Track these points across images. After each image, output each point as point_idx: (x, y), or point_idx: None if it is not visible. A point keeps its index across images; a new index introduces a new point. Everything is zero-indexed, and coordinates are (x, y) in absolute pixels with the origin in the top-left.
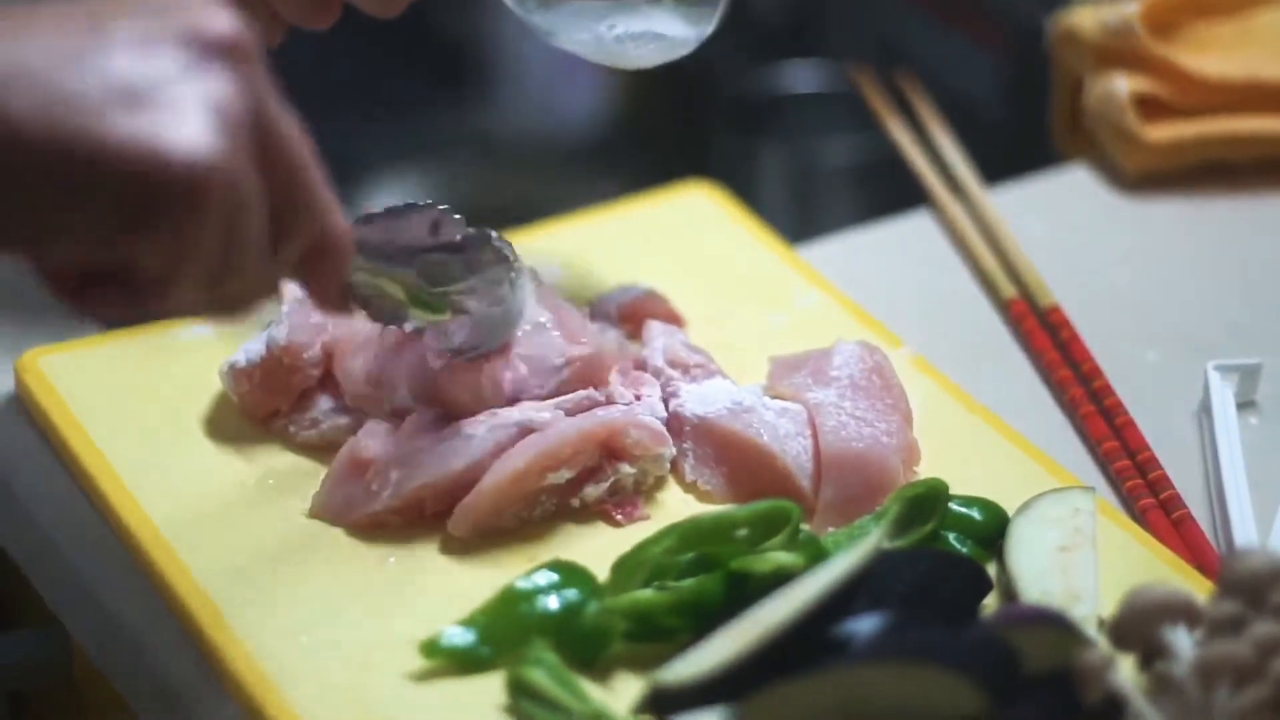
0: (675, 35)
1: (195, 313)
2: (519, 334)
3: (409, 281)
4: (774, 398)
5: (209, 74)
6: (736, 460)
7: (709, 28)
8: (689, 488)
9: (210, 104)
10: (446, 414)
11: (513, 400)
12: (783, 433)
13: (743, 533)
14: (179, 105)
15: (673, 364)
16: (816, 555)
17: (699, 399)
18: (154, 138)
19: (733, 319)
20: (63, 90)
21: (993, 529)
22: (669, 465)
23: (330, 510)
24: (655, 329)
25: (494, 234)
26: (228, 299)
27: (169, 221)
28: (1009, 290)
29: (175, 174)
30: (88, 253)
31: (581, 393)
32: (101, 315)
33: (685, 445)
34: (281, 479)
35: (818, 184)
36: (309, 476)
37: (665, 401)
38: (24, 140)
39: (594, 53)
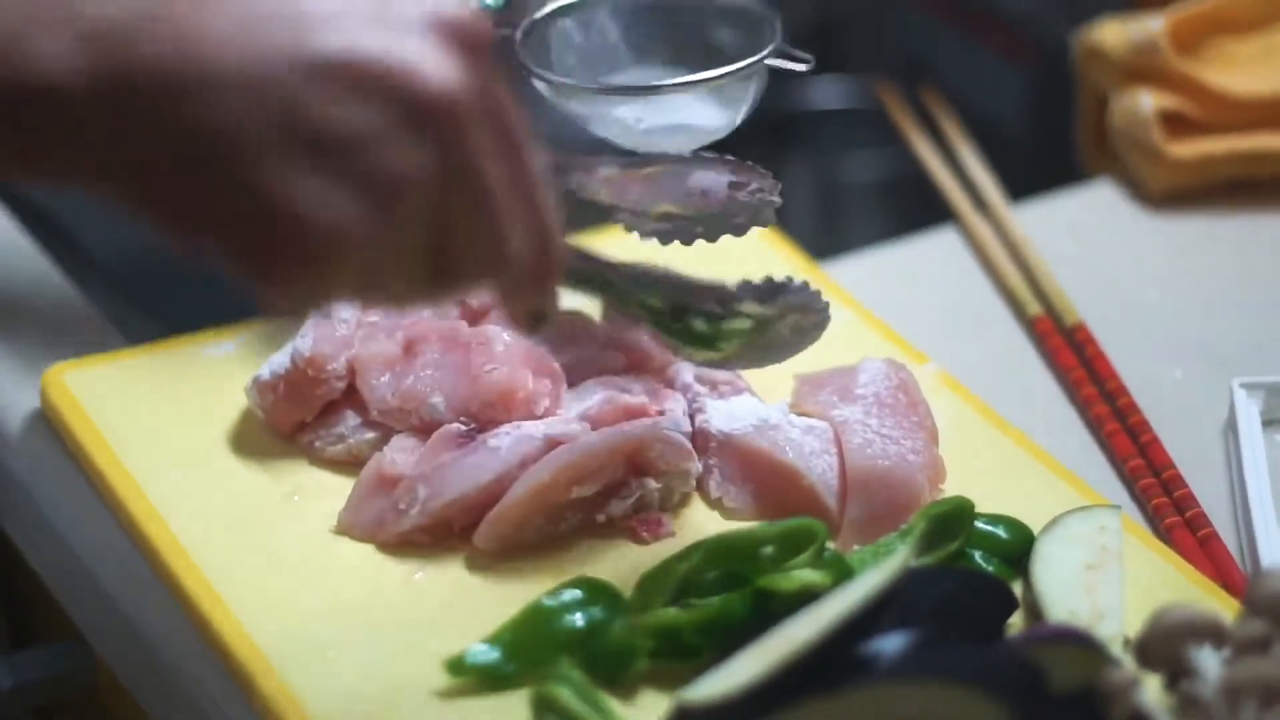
0: (704, 125)
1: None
2: None
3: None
4: (800, 415)
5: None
6: (762, 477)
7: (739, 116)
8: (714, 504)
9: (448, 61)
10: (479, 426)
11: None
12: (808, 450)
13: (768, 550)
14: (427, 43)
15: (700, 380)
16: (842, 573)
17: (725, 415)
18: (415, 60)
19: None
20: (252, 120)
21: (1018, 547)
22: (694, 481)
23: (357, 527)
24: None
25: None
26: (439, 280)
27: (435, 132)
28: (1034, 307)
29: (436, 90)
30: (358, 156)
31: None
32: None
33: (711, 462)
34: (307, 494)
35: (843, 200)
36: (335, 492)
37: (691, 417)
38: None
39: (626, 141)
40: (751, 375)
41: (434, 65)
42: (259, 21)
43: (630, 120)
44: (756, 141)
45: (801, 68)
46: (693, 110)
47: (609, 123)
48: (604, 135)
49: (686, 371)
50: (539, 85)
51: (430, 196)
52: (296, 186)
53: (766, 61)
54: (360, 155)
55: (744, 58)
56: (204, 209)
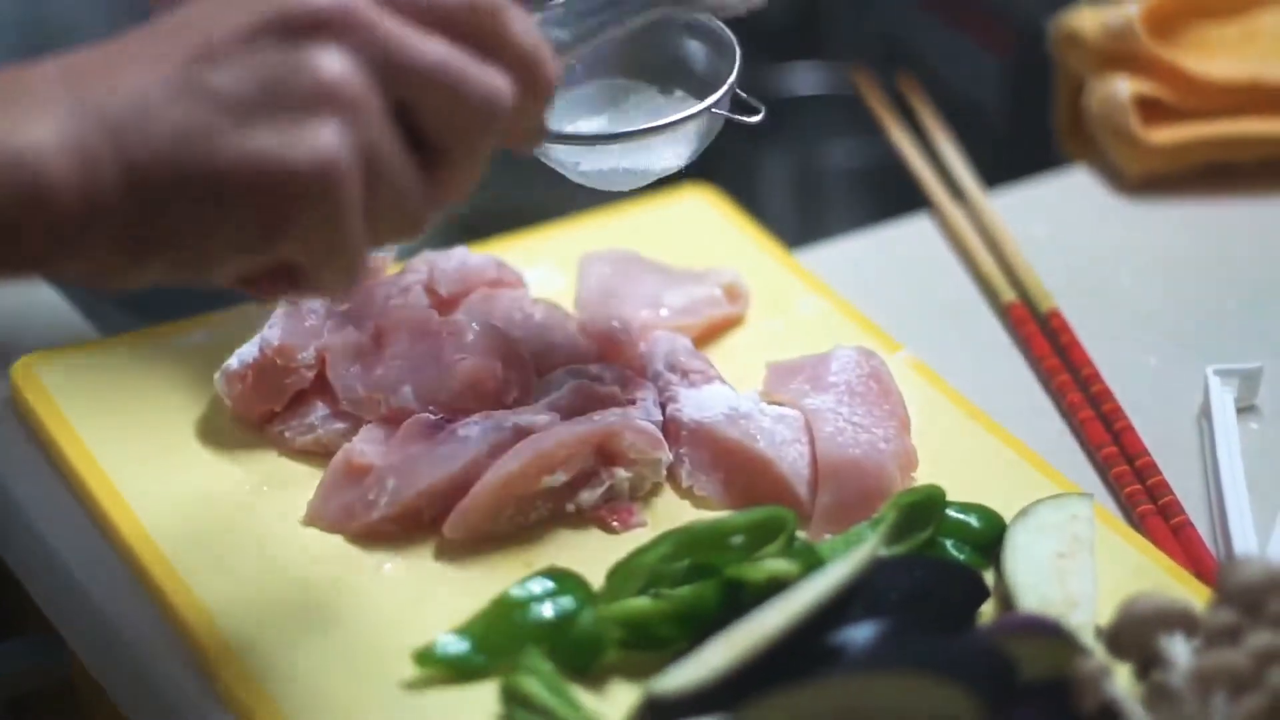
0: (651, 168)
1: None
2: None
3: None
4: (771, 403)
5: (315, 55)
6: (733, 466)
7: (688, 151)
8: (685, 494)
9: (325, 88)
10: (449, 415)
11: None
12: (779, 439)
13: (738, 540)
14: (293, 105)
15: (672, 369)
16: (812, 563)
17: (696, 404)
18: (276, 151)
19: (735, 324)
20: (175, 125)
21: (990, 536)
22: (665, 471)
23: (326, 518)
24: (659, 334)
25: None
26: (392, 231)
27: (309, 220)
28: (1009, 294)
29: (304, 179)
30: (245, 266)
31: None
32: (287, 298)
33: (682, 451)
34: (277, 485)
35: (818, 187)
36: (304, 482)
37: (662, 406)
38: (153, 180)
39: (578, 178)
40: (723, 364)
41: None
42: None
43: (569, 163)
44: (732, 126)
45: (754, 119)
46: (635, 156)
47: (550, 159)
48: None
49: (658, 360)
50: None
51: (373, 93)
52: (258, 146)
53: (713, 111)
54: (286, 89)
55: (706, 77)
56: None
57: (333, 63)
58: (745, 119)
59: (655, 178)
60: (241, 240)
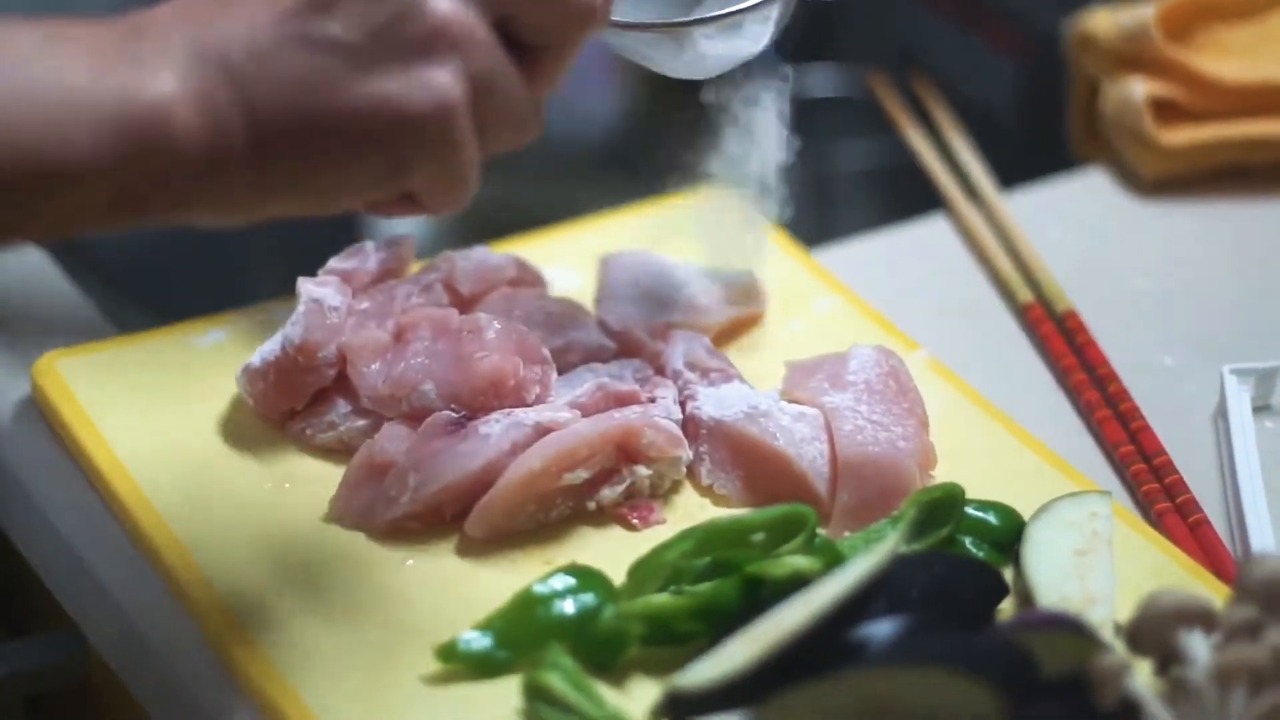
0: (734, 53)
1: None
2: None
3: None
4: (790, 402)
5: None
6: (753, 464)
7: (767, 34)
8: (705, 491)
9: (436, 29)
10: (470, 413)
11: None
12: (799, 437)
13: (759, 537)
14: (408, 49)
15: (692, 367)
16: (833, 560)
17: (716, 402)
18: (396, 96)
19: (753, 323)
20: (295, 73)
21: (1009, 533)
22: (685, 468)
23: (348, 515)
24: (678, 333)
25: None
26: (508, 138)
27: (430, 157)
28: (1025, 295)
29: (425, 121)
30: (369, 199)
31: (593, 380)
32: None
33: (702, 449)
34: (298, 482)
35: (834, 189)
36: (326, 480)
37: (682, 405)
38: (277, 127)
39: (664, 68)
40: (741, 363)
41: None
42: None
43: (651, 54)
44: None
45: None
46: (722, 40)
47: (632, 51)
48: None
49: (677, 358)
50: None
51: (480, 20)
52: (378, 91)
53: None
54: (400, 34)
55: None
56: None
57: (442, 5)
58: None
59: (738, 62)
60: (366, 178)
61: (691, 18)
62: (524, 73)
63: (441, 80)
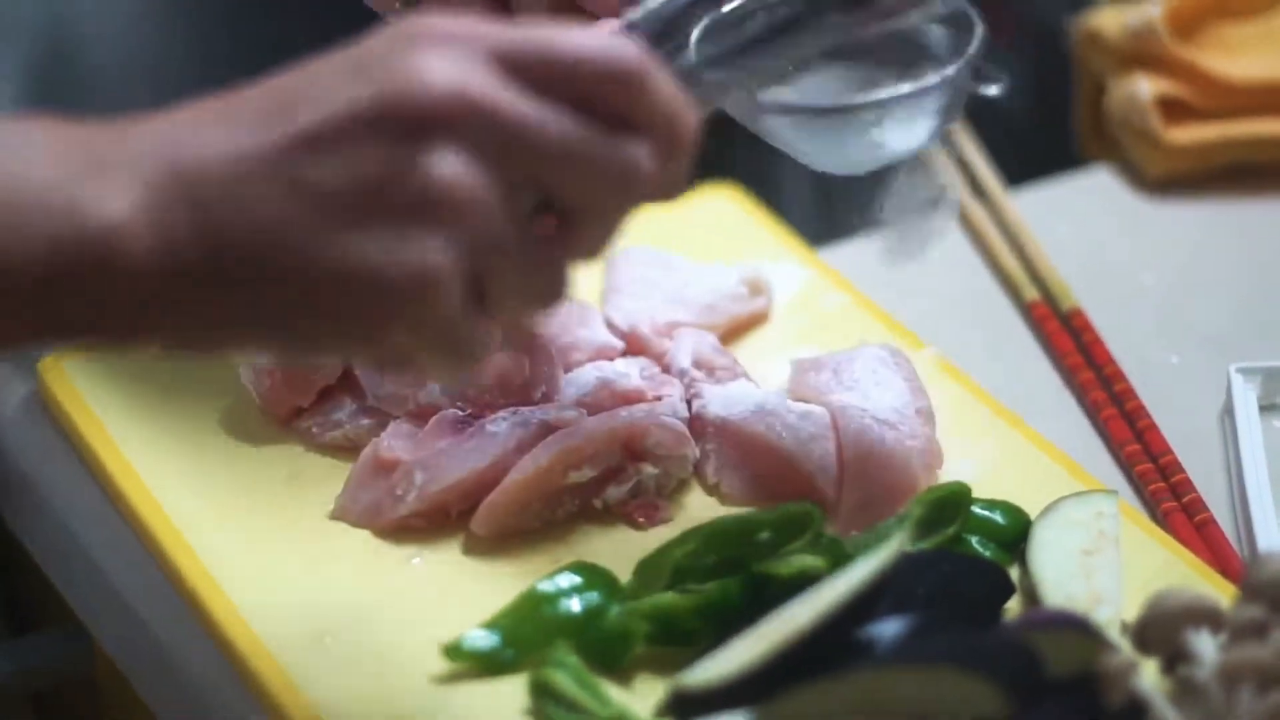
0: (889, 146)
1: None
2: None
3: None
4: (797, 400)
5: (425, 157)
6: (759, 463)
7: (929, 128)
8: (712, 490)
9: (434, 195)
10: (476, 411)
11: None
12: (805, 435)
13: (765, 536)
14: (397, 213)
15: (698, 365)
16: (839, 558)
17: (722, 401)
18: (374, 262)
19: (759, 322)
20: (268, 217)
21: (1015, 532)
22: (691, 467)
23: (353, 512)
24: (685, 331)
25: None
26: (525, 304)
27: (407, 324)
28: (1031, 293)
29: (401, 292)
30: (347, 357)
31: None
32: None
33: (708, 447)
34: (304, 480)
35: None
36: (332, 477)
37: (688, 403)
38: (240, 270)
39: (807, 159)
40: (748, 361)
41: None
42: (246, 126)
43: (797, 144)
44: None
45: (994, 91)
46: (876, 131)
47: (778, 139)
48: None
49: (684, 357)
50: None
51: (492, 184)
52: (355, 254)
53: (953, 82)
54: (391, 195)
55: (946, 58)
56: (290, 328)
57: (445, 167)
58: (986, 90)
59: (894, 159)
60: (336, 339)
61: (869, 99)
62: (560, 237)
63: (428, 252)
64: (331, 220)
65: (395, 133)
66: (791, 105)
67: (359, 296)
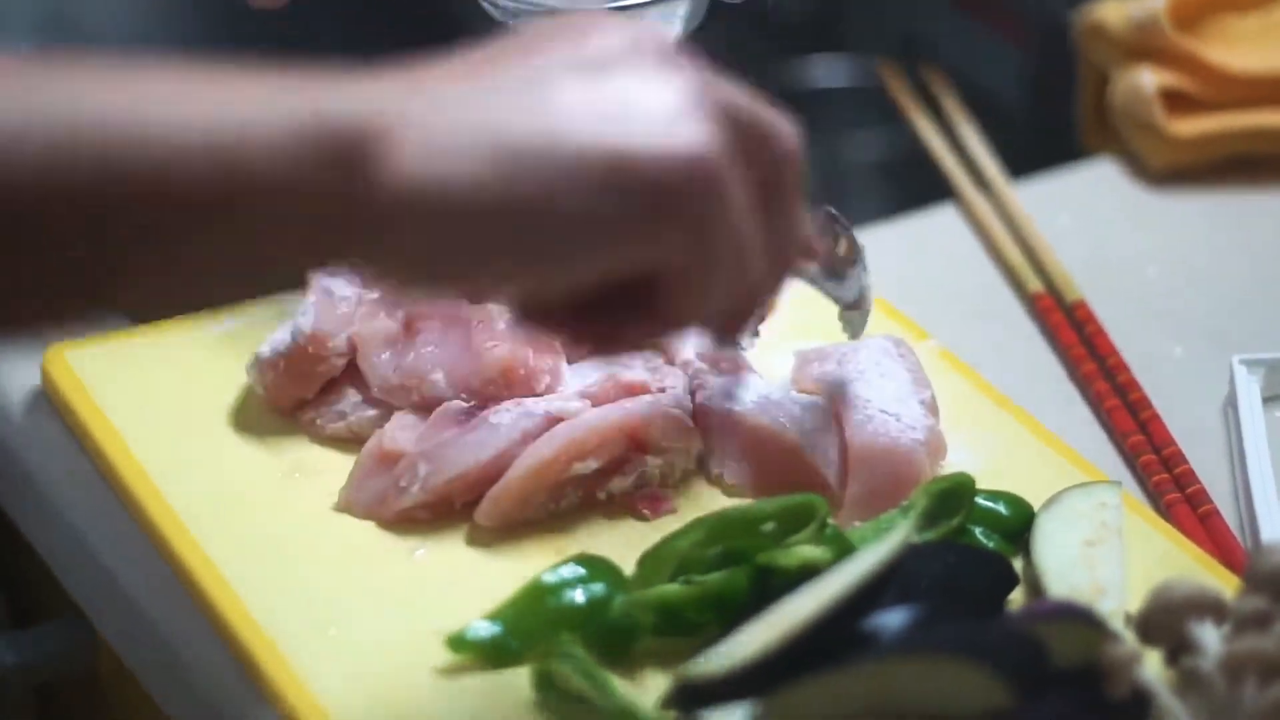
0: None
1: (705, 322)
2: None
3: None
4: (800, 392)
5: (667, 76)
6: (763, 454)
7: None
8: (716, 481)
9: (687, 104)
10: (480, 403)
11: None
12: (809, 427)
13: (770, 527)
14: (664, 110)
15: (702, 357)
16: (843, 549)
17: (726, 392)
18: (660, 138)
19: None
20: (558, 113)
21: (1019, 523)
22: (696, 458)
23: (358, 504)
24: None
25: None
26: (736, 308)
27: (691, 212)
28: (1035, 284)
29: (691, 166)
30: (622, 261)
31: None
32: (617, 343)
33: (713, 438)
34: (308, 472)
35: (843, 179)
36: (336, 469)
37: (693, 394)
38: (537, 162)
39: None
40: (752, 353)
41: (669, 139)
42: (496, 134)
43: None
44: None
45: None
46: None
47: None
48: None
49: (689, 348)
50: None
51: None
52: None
53: None
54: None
55: None
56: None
57: (683, 78)
58: None
59: None
60: (599, 233)
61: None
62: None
63: (704, 131)
64: (605, 114)
65: (640, 57)
66: (540, 4)
67: (652, 174)
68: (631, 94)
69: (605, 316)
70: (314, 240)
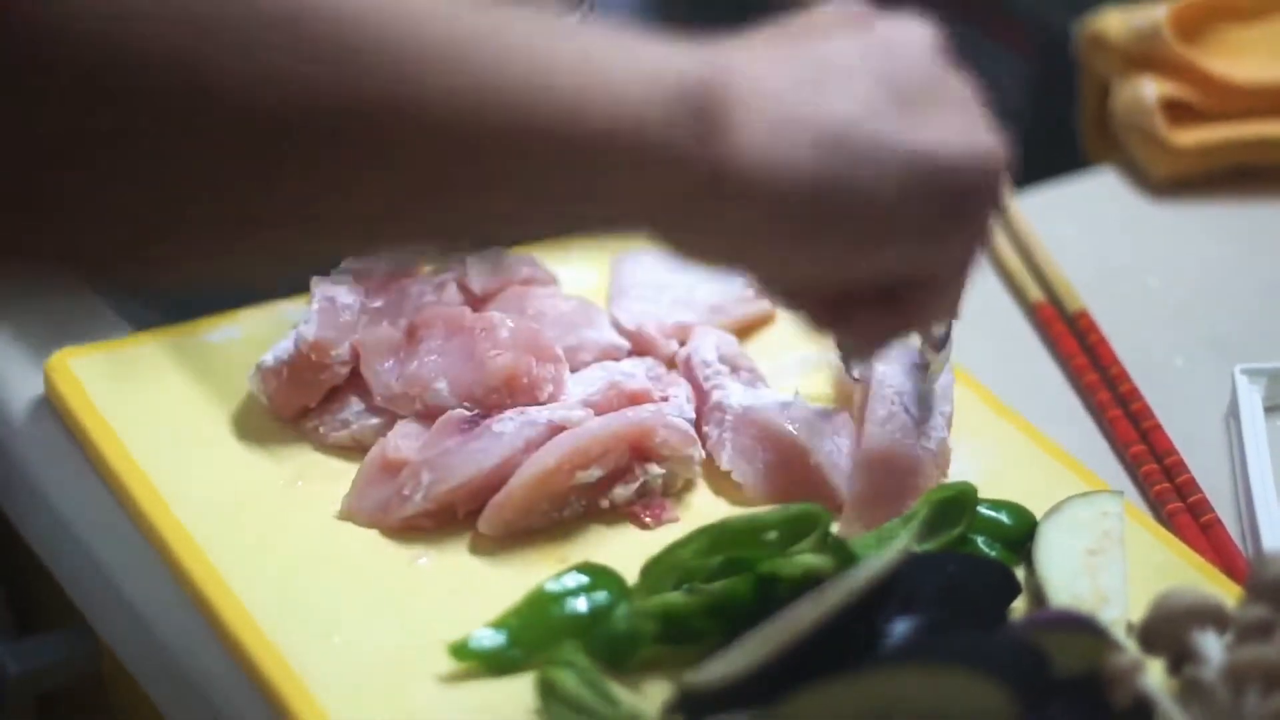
0: None
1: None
2: None
3: None
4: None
5: (956, 78)
6: (773, 454)
7: None
8: (719, 489)
9: (971, 105)
10: (483, 411)
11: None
12: (819, 430)
13: (772, 535)
14: (955, 109)
15: (723, 359)
16: (845, 558)
17: (742, 392)
18: (970, 146)
19: (765, 323)
20: (878, 112)
21: (1021, 532)
22: (698, 467)
23: (361, 512)
24: (703, 329)
25: None
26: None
27: (981, 216)
28: (1036, 294)
29: (993, 174)
30: (916, 255)
31: (605, 379)
32: (866, 338)
33: (725, 435)
34: (311, 480)
35: None
36: (339, 477)
37: (709, 392)
38: (860, 147)
39: None
40: (758, 361)
41: (977, 147)
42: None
43: None
44: None
45: None
46: None
47: None
48: None
49: (709, 349)
50: None
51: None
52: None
53: None
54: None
55: None
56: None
57: (962, 82)
58: None
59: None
60: (922, 221)
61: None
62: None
63: (998, 140)
64: (902, 107)
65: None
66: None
67: (953, 172)
68: (938, 97)
69: (860, 310)
70: (651, 199)
